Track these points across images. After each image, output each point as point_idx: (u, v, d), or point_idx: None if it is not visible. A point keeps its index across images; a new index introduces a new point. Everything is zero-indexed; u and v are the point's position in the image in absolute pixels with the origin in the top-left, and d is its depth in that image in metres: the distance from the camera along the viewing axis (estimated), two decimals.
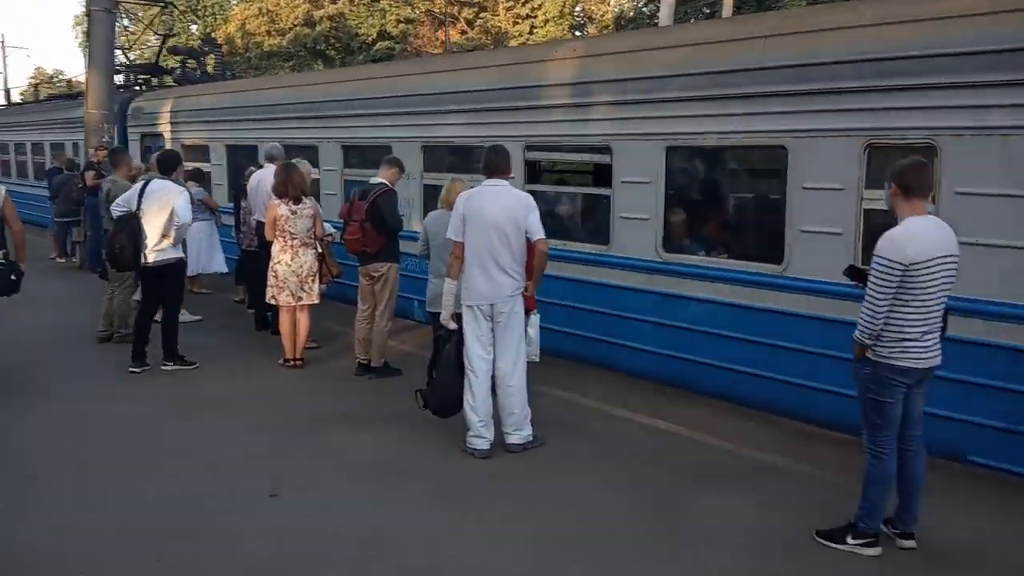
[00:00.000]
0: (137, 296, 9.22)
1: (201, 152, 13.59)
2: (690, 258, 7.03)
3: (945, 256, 4.03)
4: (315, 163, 10.56)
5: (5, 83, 44.75)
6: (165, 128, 14.45)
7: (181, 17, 36.54)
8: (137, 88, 17.64)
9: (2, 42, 52.30)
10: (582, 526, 4.64)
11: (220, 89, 14.41)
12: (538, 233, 5.52)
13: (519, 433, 5.69)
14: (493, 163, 5.64)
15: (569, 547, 4.39)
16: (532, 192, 6.61)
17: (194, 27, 40.87)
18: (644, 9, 29.99)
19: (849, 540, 4.29)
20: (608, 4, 32.39)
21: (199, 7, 39.68)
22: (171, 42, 20.55)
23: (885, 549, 4.27)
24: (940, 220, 4.21)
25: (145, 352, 7.68)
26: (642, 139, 7.14)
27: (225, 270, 11.25)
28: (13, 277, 6.88)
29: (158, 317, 7.94)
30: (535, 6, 32.37)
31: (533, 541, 4.46)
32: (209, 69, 18.28)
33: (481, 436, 5.61)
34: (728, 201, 7.58)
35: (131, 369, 7.61)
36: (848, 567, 4.17)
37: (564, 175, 9.81)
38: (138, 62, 21.55)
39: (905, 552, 4.29)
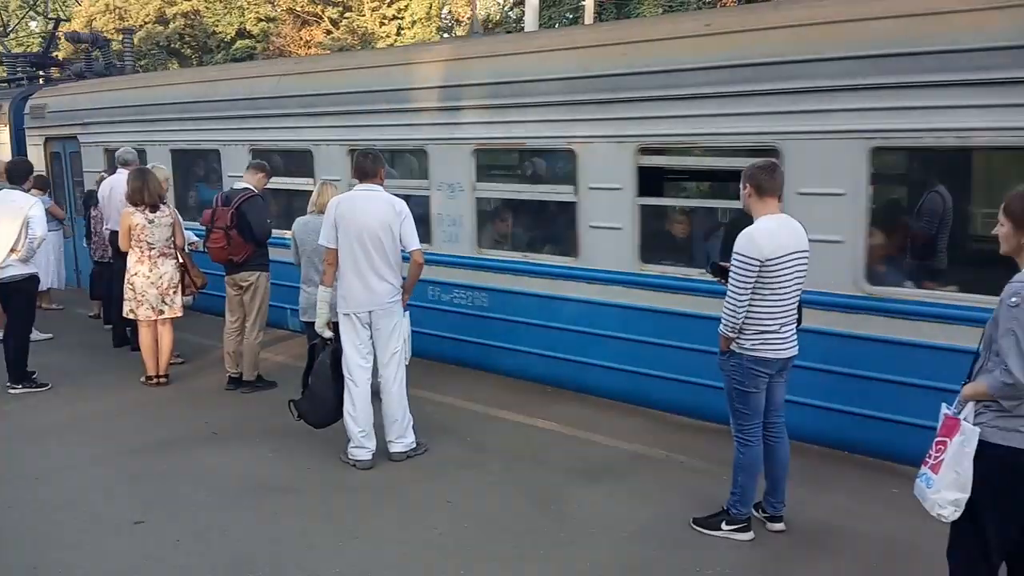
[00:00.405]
0: None
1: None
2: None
3: (797, 252, 4.28)
4: (311, 172, 8.57)
5: None
6: (82, 129, 11.96)
7: (16, 13, 33.88)
8: (25, 82, 15.83)
9: None
10: (468, 530, 4.63)
11: (170, 80, 11.48)
12: (413, 243, 5.44)
13: (403, 441, 5.61)
14: (364, 167, 5.51)
15: (457, 552, 4.37)
16: (646, 207, 6.14)
17: (33, 24, 38.04)
18: (510, 13, 30.33)
19: (723, 526, 4.49)
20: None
21: (37, 3, 36.93)
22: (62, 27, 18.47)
23: (757, 533, 4.49)
24: (791, 218, 4.41)
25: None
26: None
27: (59, 286, 10.66)
28: None
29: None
30: (401, 7, 32.09)
31: (420, 550, 4.41)
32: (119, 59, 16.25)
33: (363, 447, 5.50)
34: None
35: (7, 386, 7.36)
36: (723, 552, 4.34)
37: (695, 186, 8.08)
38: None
39: (775, 534, 4.52)
